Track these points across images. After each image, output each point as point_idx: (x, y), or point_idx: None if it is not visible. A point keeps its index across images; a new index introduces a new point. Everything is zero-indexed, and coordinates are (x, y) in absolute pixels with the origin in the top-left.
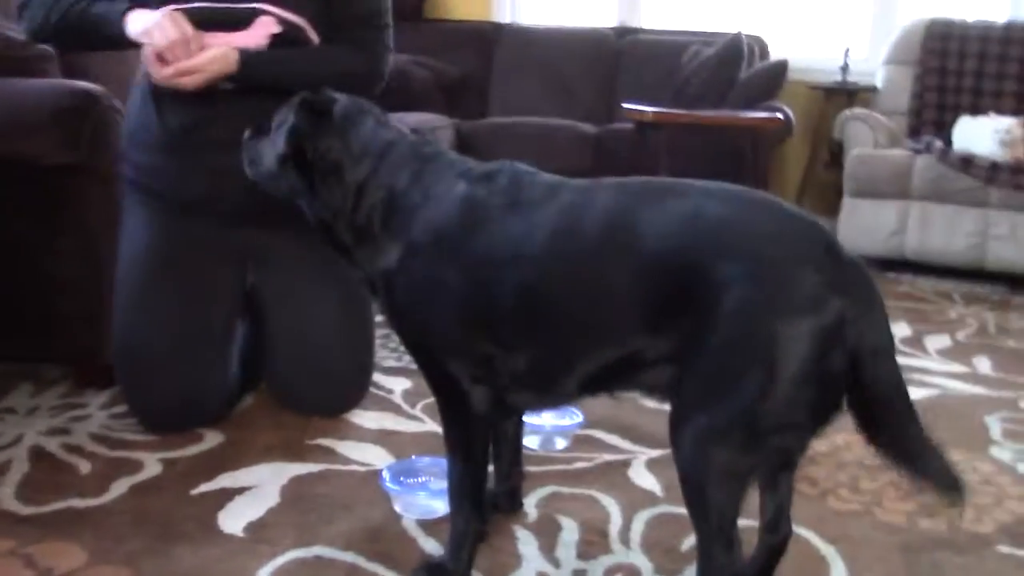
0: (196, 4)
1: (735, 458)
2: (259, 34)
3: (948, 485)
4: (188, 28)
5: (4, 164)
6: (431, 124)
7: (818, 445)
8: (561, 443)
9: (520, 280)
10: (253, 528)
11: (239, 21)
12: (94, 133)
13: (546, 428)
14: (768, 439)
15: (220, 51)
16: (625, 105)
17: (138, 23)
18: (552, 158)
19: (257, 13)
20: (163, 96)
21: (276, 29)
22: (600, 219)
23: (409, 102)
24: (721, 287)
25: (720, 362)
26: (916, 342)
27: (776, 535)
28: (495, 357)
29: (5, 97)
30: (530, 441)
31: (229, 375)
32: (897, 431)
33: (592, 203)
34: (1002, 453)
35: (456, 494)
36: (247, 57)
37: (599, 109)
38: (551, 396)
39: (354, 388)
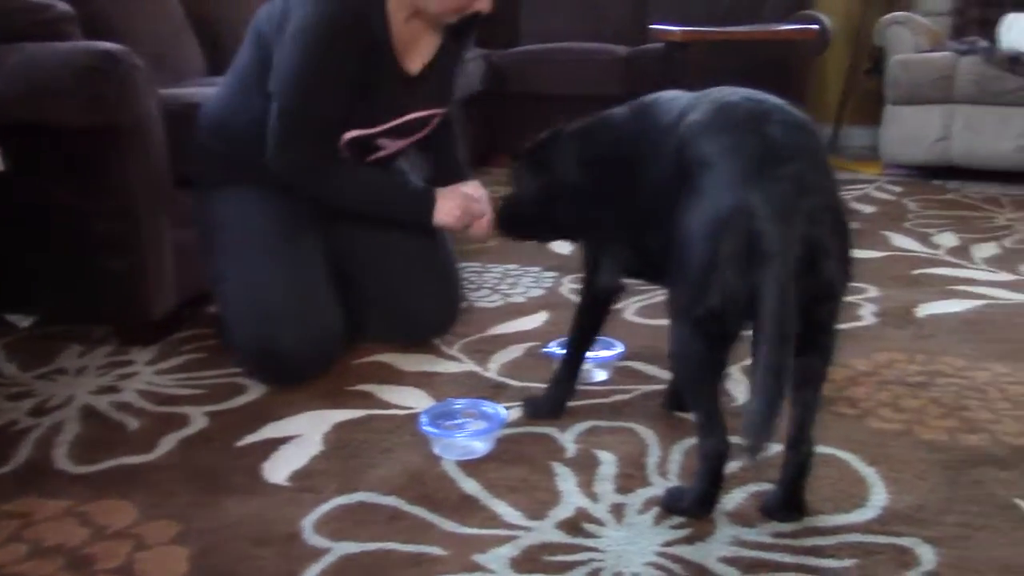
0: (397, 122)
1: (682, 340)
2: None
3: (749, 431)
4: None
5: (34, 129)
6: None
7: (859, 364)
8: (601, 375)
9: None
10: (297, 477)
11: (418, 128)
12: (119, 93)
13: (586, 359)
14: (701, 323)
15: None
16: (653, 26)
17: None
18: (584, 84)
19: (432, 118)
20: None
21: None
22: None
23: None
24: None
25: (670, 248)
26: (962, 251)
27: (796, 452)
28: None
29: (28, 62)
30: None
31: (343, 323)
32: (757, 350)
33: None
34: None
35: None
36: None
37: (630, 30)
38: None
39: (457, 291)
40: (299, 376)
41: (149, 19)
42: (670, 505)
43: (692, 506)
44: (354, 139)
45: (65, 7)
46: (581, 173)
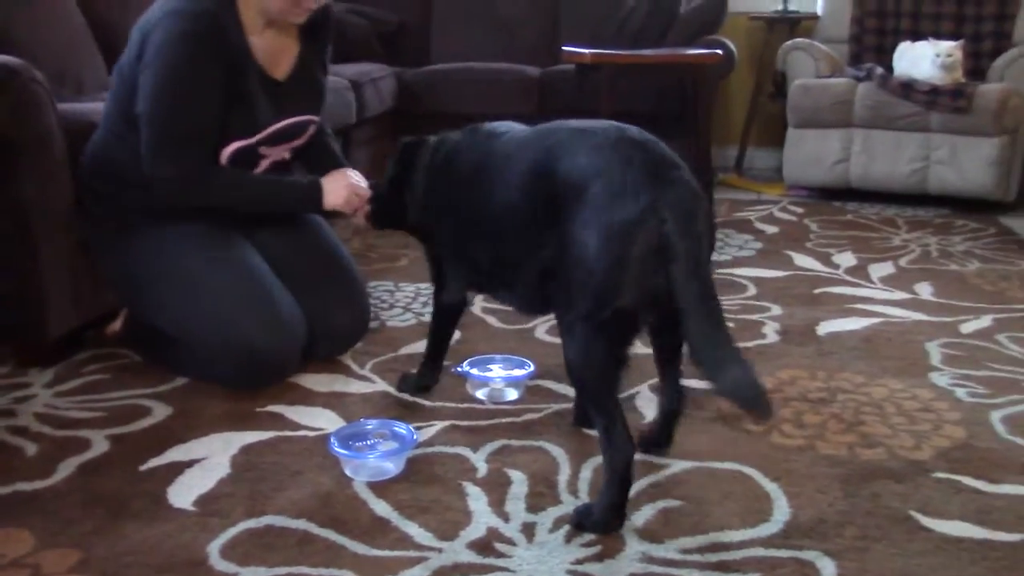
0: (274, 128)
1: (584, 346)
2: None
3: (747, 397)
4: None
5: None
6: (371, 74)
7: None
8: (513, 394)
9: None
10: (204, 501)
11: (297, 134)
12: (15, 108)
13: (497, 379)
14: (603, 326)
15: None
16: (564, 48)
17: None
18: (497, 103)
19: (309, 124)
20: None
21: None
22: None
23: (347, 52)
24: (558, 195)
25: (561, 260)
26: (860, 271)
27: (671, 399)
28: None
29: None
30: (480, 393)
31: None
32: (692, 336)
33: None
34: (941, 379)
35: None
36: None
37: (542, 50)
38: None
39: (365, 298)
40: (279, 371)
41: (48, 30)
42: (580, 522)
43: (602, 517)
44: (237, 151)
45: None
46: (426, 182)
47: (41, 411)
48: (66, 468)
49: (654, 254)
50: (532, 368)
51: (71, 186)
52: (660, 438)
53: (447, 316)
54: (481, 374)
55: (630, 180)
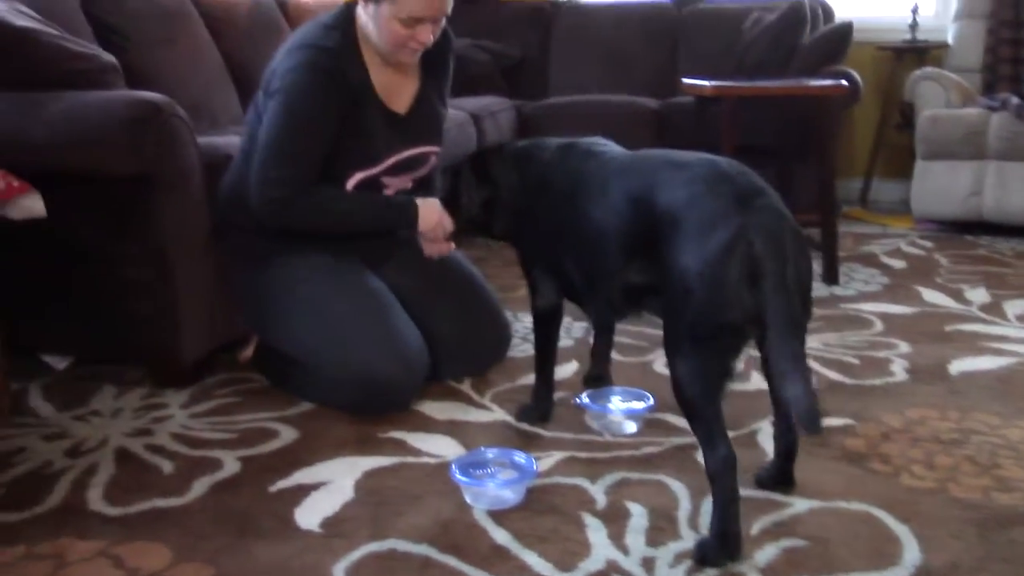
0: (395, 159)
1: (690, 362)
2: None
3: (801, 412)
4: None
5: (76, 175)
6: (492, 107)
7: (891, 420)
8: (632, 427)
9: None
10: (329, 523)
11: (418, 164)
12: (158, 142)
13: (616, 412)
14: (707, 342)
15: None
16: (684, 80)
17: (427, 221)
18: (615, 135)
19: (430, 155)
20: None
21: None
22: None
23: (471, 86)
24: (657, 224)
25: (663, 284)
26: (995, 308)
27: (788, 430)
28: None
29: (69, 111)
30: (598, 425)
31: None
32: (770, 349)
33: None
34: None
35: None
36: None
37: (661, 83)
38: None
39: (502, 316)
40: (399, 401)
41: (189, 67)
42: (703, 556)
43: (717, 543)
44: (360, 181)
45: (109, 57)
46: (519, 195)
47: (177, 431)
48: (200, 487)
49: (747, 274)
50: (652, 401)
51: (208, 216)
52: (779, 475)
53: (545, 321)
54: (599, 406)
55: (720, 210)
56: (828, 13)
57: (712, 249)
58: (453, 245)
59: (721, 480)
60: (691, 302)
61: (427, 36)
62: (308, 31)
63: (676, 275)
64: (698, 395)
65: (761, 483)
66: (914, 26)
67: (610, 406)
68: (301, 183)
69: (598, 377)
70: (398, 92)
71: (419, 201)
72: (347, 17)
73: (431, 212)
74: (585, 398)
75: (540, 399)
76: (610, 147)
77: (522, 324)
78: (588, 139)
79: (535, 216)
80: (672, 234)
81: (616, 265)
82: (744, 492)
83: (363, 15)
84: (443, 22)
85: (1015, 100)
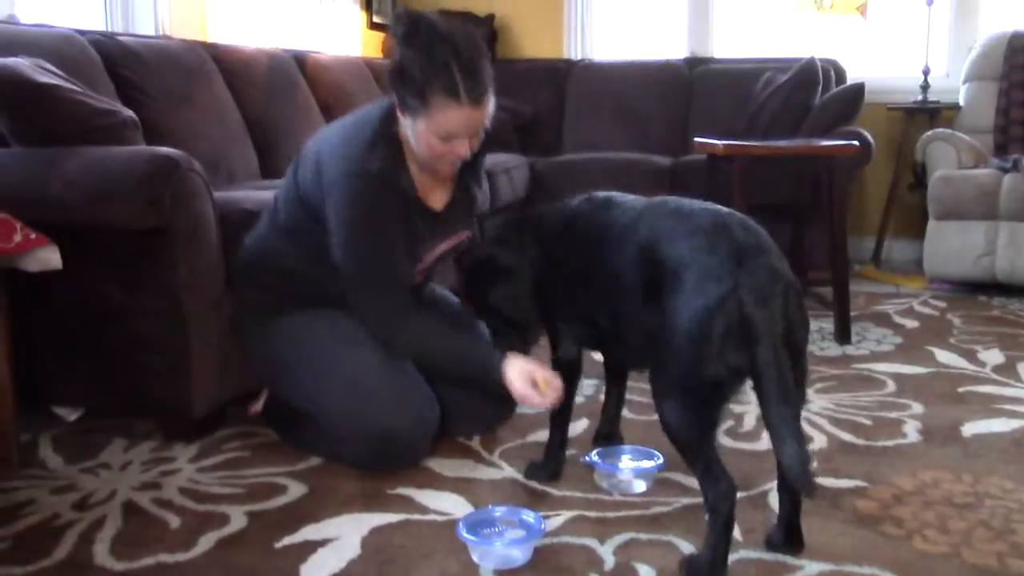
0: (433, 256)
1: (676, 409)
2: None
3: (794, 473)
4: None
5: (93, 228)
6: (505, 164)
7: (903, 483)
8: (641, 486)
9: None
10: None
11: (453, 252)
12: (175, 196)
13: (626, 471)
14: (693, 392)
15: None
16: (696, 139)
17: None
18: (627, 192)
19: (464, 240)
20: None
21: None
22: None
23: (485, 143)
24: (661, 276)
25: (659, 332)
26: (1009, 369)
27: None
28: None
29: (88, 166)
30: (607, 484)
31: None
32: (763, 409)
33: None
34: None
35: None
36: None
37: (673, 141)
38: None
39: None
40: (410, 457)
41: (207, 123)
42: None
43: (708, 568)
44: None
45: (129, 113)
46: (543, 248)
47: (185, 485)
48: (206, 542)
49: (736, 332)
50: (661, 460)
51: (223, 269)
52: (787, 534)
53: (566, 374)
54: (609, 464)
55: (715, 266)
56: (840, 74)
57: (701, 305)
58: (553, 396)
59: (720, 510)
60: (678, 355)
61: (464, 150)
62: (354, 145)
63: (668, 326)
64: (691, 437)
65: (771, 544)
66: (926, 87)
67: (620, 465)
68: (390, 304)
69: (609, 435)
70: (435, 191)
71: (511, 361)
72: (390, 119)
73: (521, 375)
74: (595, 456)
75: (552, 457)
76: (628, 197)
77: None
78: (604, 192)
79: (558, 270)
80: (672, 285)
81: (634, 314)
82: (755, 554)
83: (400, 121)
84: (481, 132)
85: None
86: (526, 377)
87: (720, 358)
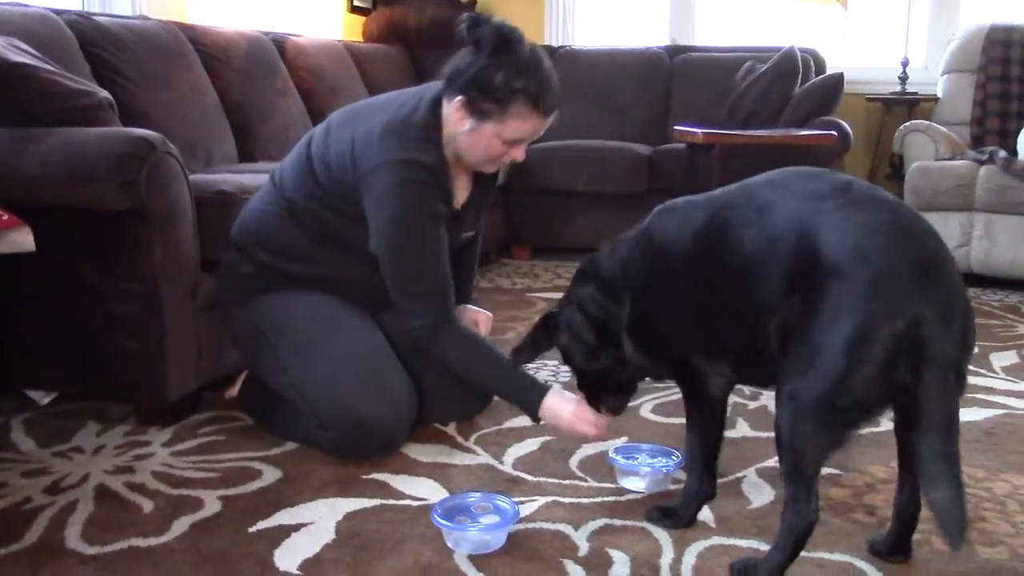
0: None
1: (811, 426)
2: None
3: (947, 521)
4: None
5: (67, 210)
6: None
7: (876, 471)
8: (639, 485)
9: None
10: (308, 565)
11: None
12: (151, 179)
13: (642, 467)
14: (839, 411)
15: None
16: (676, 127)
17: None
18: (606, 181)
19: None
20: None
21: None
22: None
23: None
24: (816, 271)
25: (804, 334)
26: (981, 360)
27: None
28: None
29: (63, 147)
30: (636, 484)
31: (413, 389)
32: (920, 442)
33: None
34: None
35: (690, 458)
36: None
37: (653, 130)
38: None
39: None
40: (387, 443)
41: (184, 105)
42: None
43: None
44: None
45: (105, 94)
46: (638, 290)
47: (158, 469)
48: (179, 526)
49: (906, 354)
50: (679, 458)
51: (199, 252)
52: (898, 544)
53: (715, 405)
54: (627, 464)
55: (895, 275)
56: (820, 64)
57: (872, 320)
58: (601, 425)
59: (797, 528)
60: (831, 367)
61: (521, 154)
62: (401, 131)
63: (822, 332)
64: (811, 454)
65: (875, 550)
66: (904, 78)
67: (638, 463)
68: (434, 316)
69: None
70: (458, 189)
71: (553, 399)
72: (435, 115)
73: (562, 414)
74: (618, 455)
75: (701, 483)
76: (695, 199)
77: None
78: (676, 201)
79: (671, 294)
80: (831, 285)
81: (769, 317)
82: (728, 540)
83: (451, 118)
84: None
85: (1002, 153)
86: (563, 415)
87: (881, 380)
